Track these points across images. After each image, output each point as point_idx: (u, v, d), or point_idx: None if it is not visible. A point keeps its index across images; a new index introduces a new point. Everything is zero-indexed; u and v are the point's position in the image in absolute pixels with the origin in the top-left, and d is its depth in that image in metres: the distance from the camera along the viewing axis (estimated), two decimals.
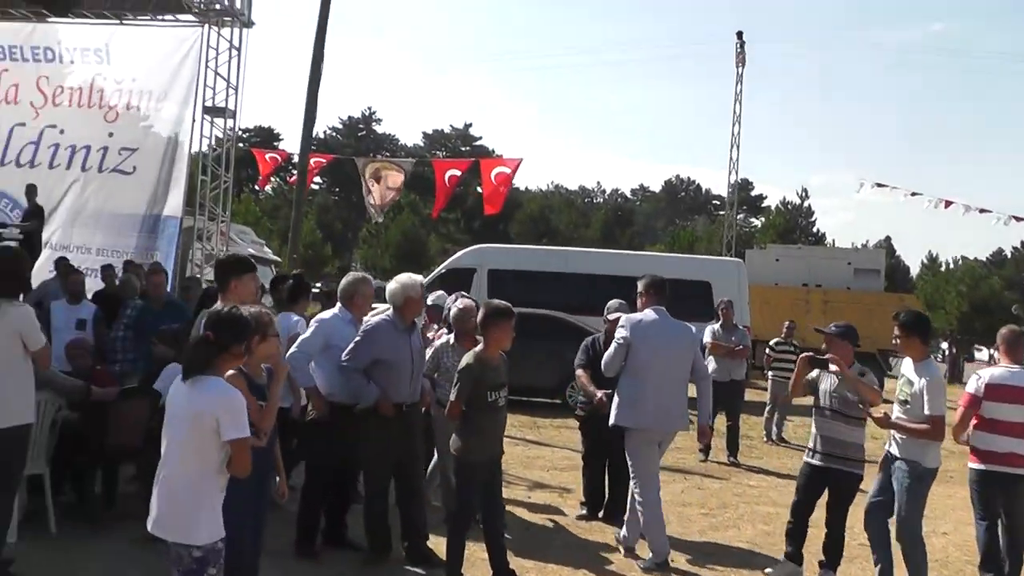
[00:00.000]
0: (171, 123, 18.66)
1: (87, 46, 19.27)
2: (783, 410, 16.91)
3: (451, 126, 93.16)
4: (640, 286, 8.85)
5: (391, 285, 8.04)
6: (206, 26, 17.93)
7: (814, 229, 70.29)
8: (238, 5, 17.72)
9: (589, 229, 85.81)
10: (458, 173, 29.97)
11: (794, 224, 66.84)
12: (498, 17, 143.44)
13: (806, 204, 70.86)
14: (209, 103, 17.91)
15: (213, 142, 18.42)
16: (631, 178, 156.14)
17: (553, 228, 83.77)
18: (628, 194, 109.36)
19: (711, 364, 14.55)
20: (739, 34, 42.71)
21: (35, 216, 17.20)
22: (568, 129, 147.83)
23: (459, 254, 24.38)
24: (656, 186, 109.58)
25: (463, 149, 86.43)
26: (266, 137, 77.42)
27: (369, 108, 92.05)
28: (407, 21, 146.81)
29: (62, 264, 14.25)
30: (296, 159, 34.17)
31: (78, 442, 8.51)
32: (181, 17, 18.57)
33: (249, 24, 18.05)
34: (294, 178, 39.17)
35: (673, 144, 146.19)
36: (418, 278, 8.16)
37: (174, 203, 18.43)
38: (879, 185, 33.55)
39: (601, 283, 20.61)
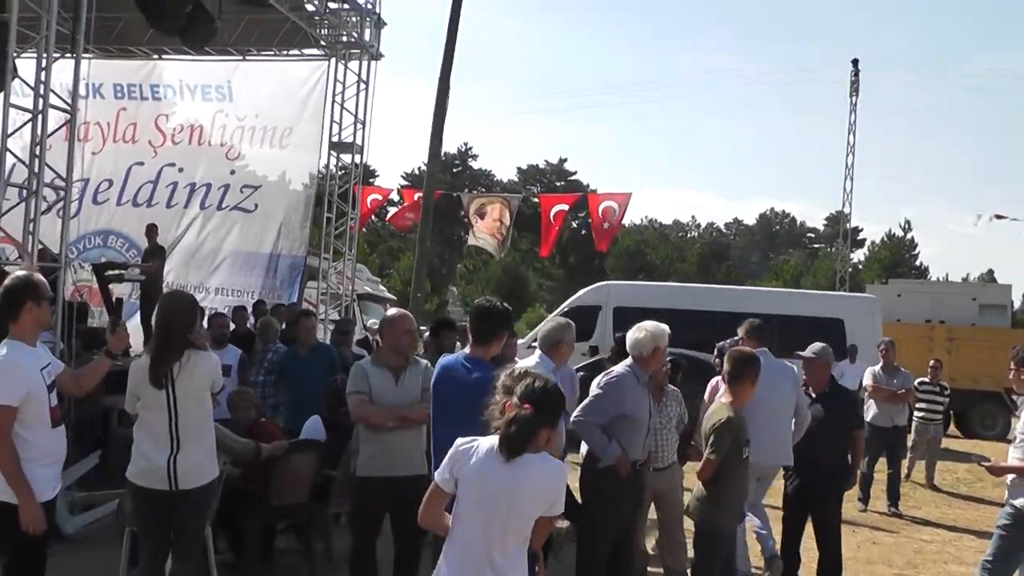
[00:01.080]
0: (296, 160, 18.20)
1: (208, 83, 18.87)
2: (934, 455, 15.92)
3: (546, 161, 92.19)
4: (740, 331, 9.10)
5: (636, 333, 7.32)
6: (333, 60, 17.40)
7: (916, 263, 68.39)
8: (367, 37, 17.13)
9: (685, 263, 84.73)
10: (565, 208, 29.83)
11: (900, 258, 65.06)
12: (592, 51, 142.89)
13: (908, 237, 68.86)
14: (335, 138, 17.33)
15: (338, 178, 17.82)
16: (724, 212, 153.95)
17: (649, 263, 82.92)
18: (722, 228, 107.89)
19: (872, 409, 13.87)
20: (855, 62, 41.35)
21: (156, 256, 16.69)
22: (660, 163, 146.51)
23: (583, 292, 23.59)
24: (750, 220, 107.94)
25: (558, 184, 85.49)
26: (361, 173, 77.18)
27: (465, 144, 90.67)
28: (498, 55, 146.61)
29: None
30: (394, 196, 34.05)
31: (241, 499, 7.86)
32: (307, 51, 18.06)
33: (378, 56, 17.45)
34: (390, 215, 39.14)
35: (765, 178, 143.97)
36: (664, 327, 7.45)
37: (299, 241, 17.96)
38: (998, 217, 32.45)
39: (730, 321, 19.80)
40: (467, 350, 6.25)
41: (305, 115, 18.03)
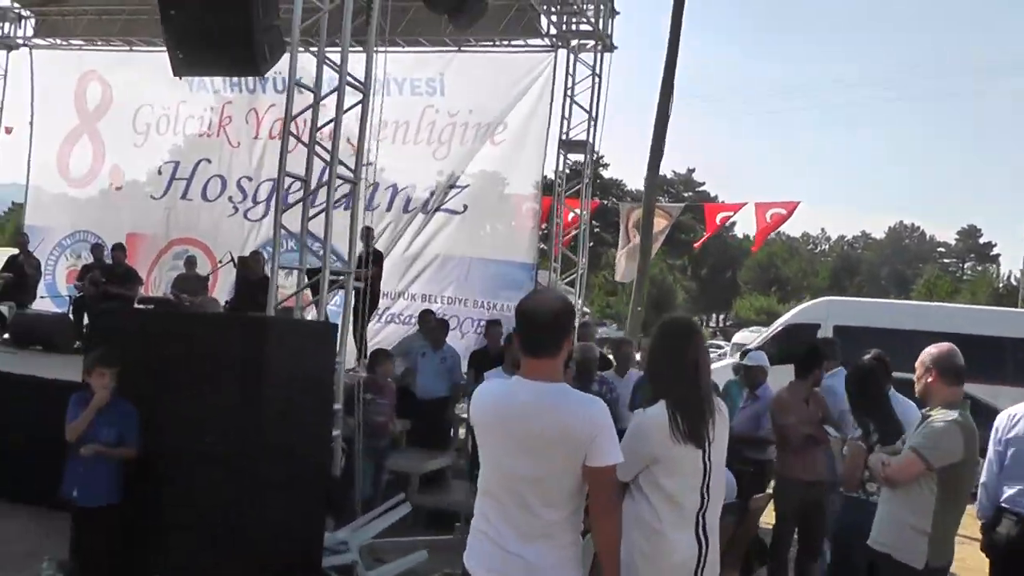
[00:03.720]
0: (516, 158, 16.78)
1: (417, 76, 17.36)
2: None
3: (673, 171, 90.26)
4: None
5: None
6: (563, 51, 15.97)
7: None
8: (601, 27, 15.63)
9: (817, 278, 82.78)
10: (731, 215, 29.71)
11: None
12: (719, 59, 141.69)
13: None
14: (564, 136, 15.91)
15: (566, 180, 16.39)
16: (853, 224, 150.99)
17: (782, 276, 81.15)
18: (851, 240, 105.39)
19: None
20: None
21: (374, 261, 15.40)
22: (788, 175, 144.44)
23: (799, 308, 22.01)
24: (879, 233, 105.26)
25: (685, 195, 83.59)
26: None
27: (597, 153, 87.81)
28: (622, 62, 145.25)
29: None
30: None
31: None
32: (532, 42, 16.54)
33: (611, 48, 15.95)
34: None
35: (894, 190, 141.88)
36: None
37: (523, 247, 16.56)
38: None
39: (967, 344, 18.12)
40: None
41: (525, 110, 16.56)
